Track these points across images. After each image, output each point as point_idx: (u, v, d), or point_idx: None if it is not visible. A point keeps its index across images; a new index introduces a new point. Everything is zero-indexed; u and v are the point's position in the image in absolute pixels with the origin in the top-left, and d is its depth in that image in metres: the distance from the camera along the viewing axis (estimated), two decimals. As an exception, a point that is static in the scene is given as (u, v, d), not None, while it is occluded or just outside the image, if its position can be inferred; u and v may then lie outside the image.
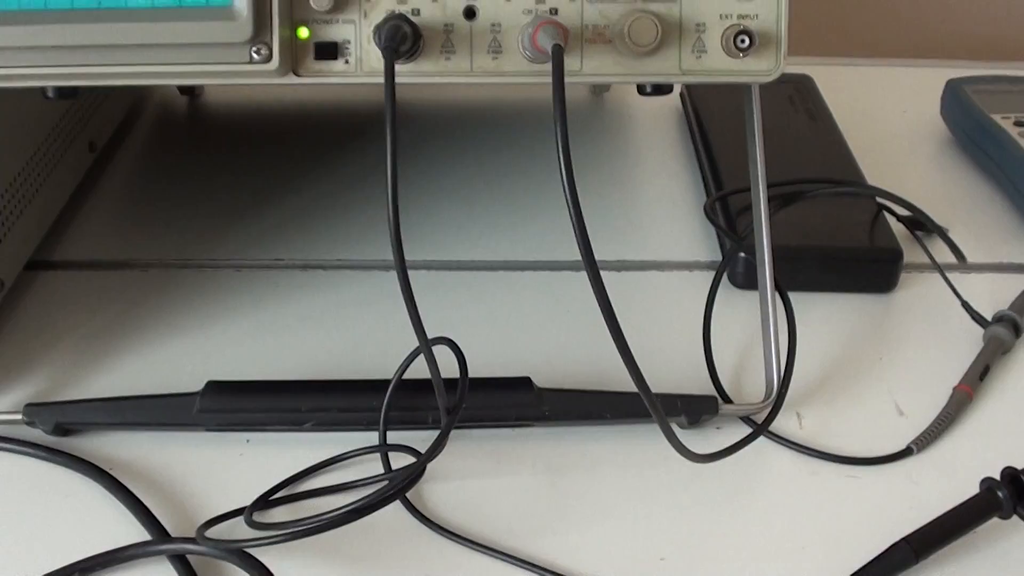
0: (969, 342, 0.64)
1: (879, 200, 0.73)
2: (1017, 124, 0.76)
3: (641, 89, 0.54)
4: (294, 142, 0.85)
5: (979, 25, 1.09)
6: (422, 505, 0.54)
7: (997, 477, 0.52)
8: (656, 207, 0.77)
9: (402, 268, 0.46)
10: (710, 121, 0.81)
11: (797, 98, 0.84)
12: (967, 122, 0.80)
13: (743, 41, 0.51)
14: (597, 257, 0.66)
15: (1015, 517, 0.52)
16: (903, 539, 0.50)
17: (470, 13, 0.52)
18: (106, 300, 0.68)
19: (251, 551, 0.50)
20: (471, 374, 0.54)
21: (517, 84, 0.52)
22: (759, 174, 0.59)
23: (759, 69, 0.52)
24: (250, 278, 0.70)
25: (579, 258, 0.46)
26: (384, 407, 0.56)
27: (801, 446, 0.57)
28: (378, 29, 0.50)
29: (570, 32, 0.51)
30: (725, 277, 0.69)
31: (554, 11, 0.52)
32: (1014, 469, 0.52)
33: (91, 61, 0.51)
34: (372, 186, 0.79)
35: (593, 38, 0.52)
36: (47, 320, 0.66)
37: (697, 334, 0.64)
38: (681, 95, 0.88)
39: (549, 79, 0.48)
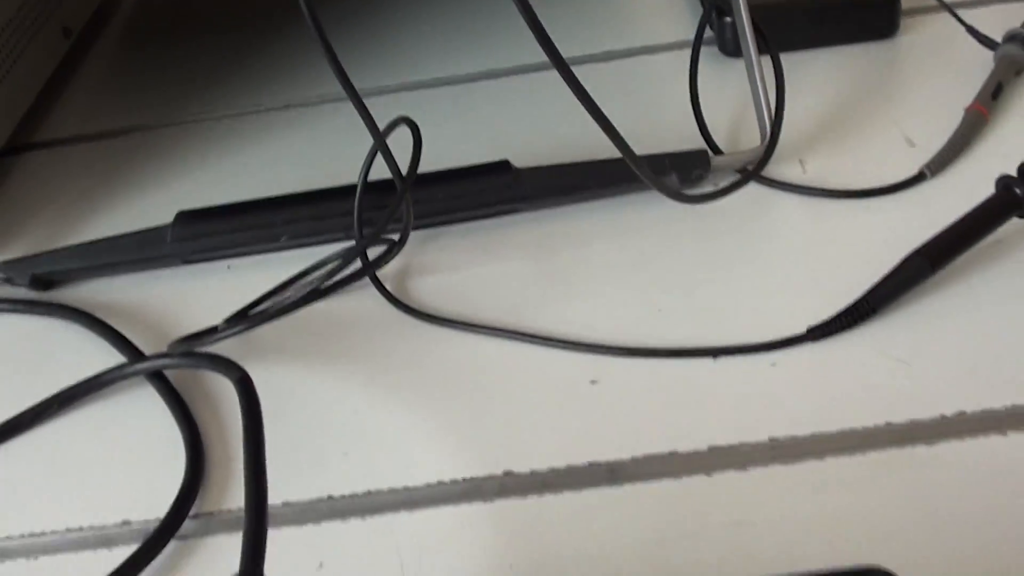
0: (981, 68, 0.60)
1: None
2: None
3: None
4: (271, 10, 0.83)
5: None
6: (406, 299, 0.52)
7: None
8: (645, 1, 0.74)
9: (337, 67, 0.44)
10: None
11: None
12: None
13: None
14: (584, 50, 0.64)
15: (1037, 213, 0.48)
16: (915, 251, 0.47)
17: None
18: (86, 169, 0.67)
19: (224, 354, 0.48)
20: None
21: None
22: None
23: None
24: (230, 127, 0.68)
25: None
26: (356, 206, 0.54)
27: (803, 187, 0.54)
28: None
29: None
30: (714, 49, 0.65)
31: None
32: (1031, 162, 0.48)
33: None
34: (346, 25, 0.77)
35: None
36: (28, 195, 0.66)
37: (689, 105, 0.61)
38: None
39: None
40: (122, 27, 0.85)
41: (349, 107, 0.63)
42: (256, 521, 0.36)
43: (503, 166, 0.56)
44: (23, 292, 0.57)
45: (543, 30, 0.41)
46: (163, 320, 0.54)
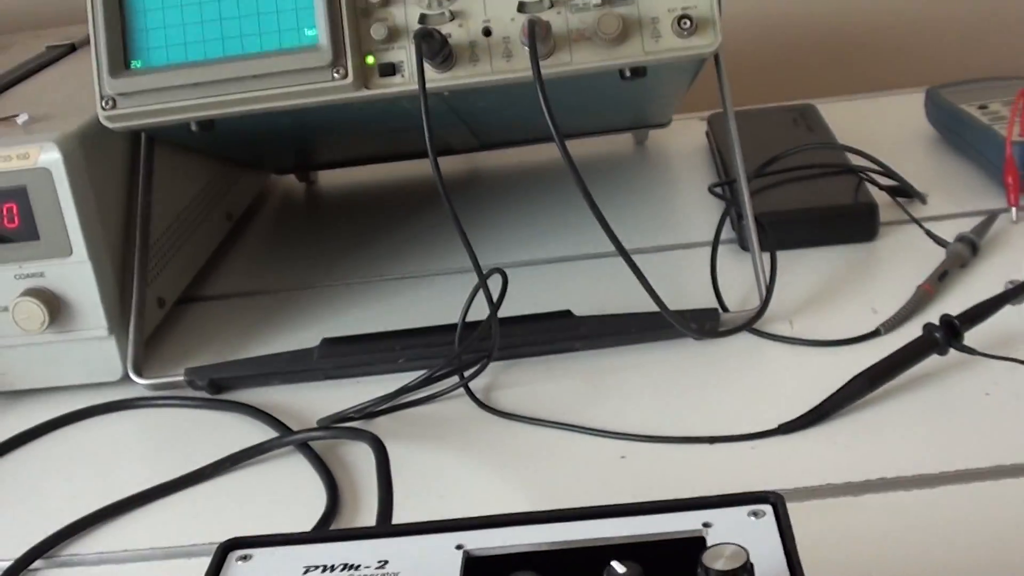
0: (936, 260, 0.80)
1: (861, 175, 0.90)
2: (980, 108, 0.93)
3: (621, 74, 0.74)
4: (389, 208, 1.06)
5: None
6: (490, 403, 0.72)
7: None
8: (684, 207, 0.96)
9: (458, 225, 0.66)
10: (724, 146, 0.99)
11: (800, 120, 1.03)
12: (942, 114, 0.98)
13: (685, 23, 0.71)
14: (637, 244, 0.85)
15: (951, 352, 0.67)
16: (859, 373, 0.66)
17: (487, 32, 0.73)
18: (243, 318, 0.88)
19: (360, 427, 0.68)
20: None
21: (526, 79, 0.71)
22: (733, 134, 0.78)
23: (702, 44, 0.72)
24: (358, 291, 0.90)
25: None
26: (457, 335, 0.74)
27: (790, 338, 0.74)
28: (414, 38, 0.70)
29: (554, 32, 0.71)
30: (736, 246, 0.86)
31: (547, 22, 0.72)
32: (949, 316, 0.67)
33: (224, 92, 0.73)
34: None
35: (577, 38, 0.72)
36: (202, 331, 0.87)
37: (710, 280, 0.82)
38: (706, 132, 1.07)
39: (547, 71, 0.69)
40: (274, 211, 1.09)
41: (452, 279, 0.84)
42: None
43: (566, 314, 0.76)
44: (202, 393, 0.78)
45: (608, 225, 0.63)
46: (309, 415, 0.74)
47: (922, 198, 0.89)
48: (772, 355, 0.73)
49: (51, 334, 0.78)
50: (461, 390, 0.73)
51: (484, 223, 0.98)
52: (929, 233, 0.83)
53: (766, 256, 0.79)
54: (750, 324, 0.75)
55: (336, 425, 0.69)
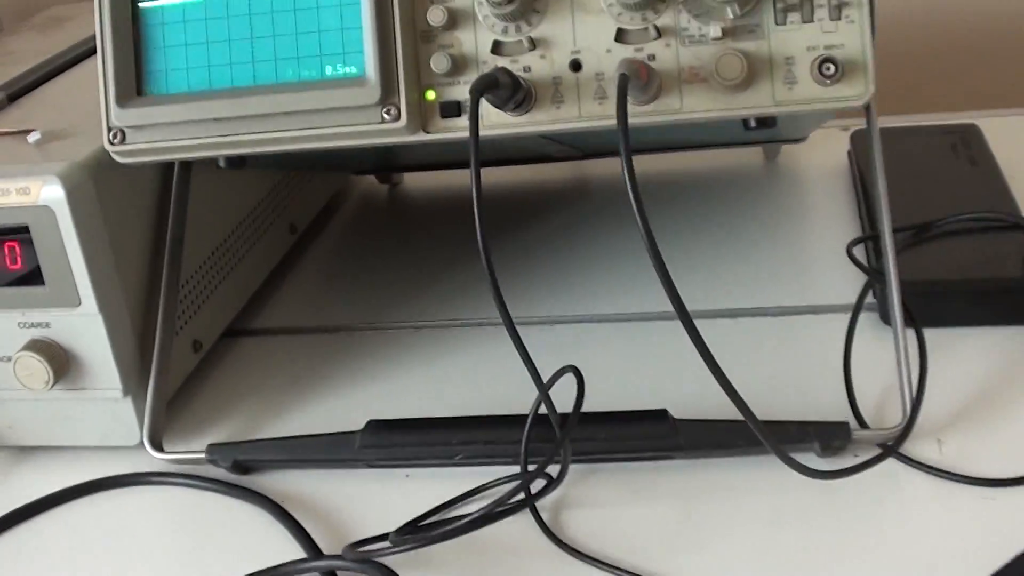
0: None
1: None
2: None
3: (745, 123, 0.59)
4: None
5: None
6: (560, 531, 0.59)
7: None
8: (818, 256, 0.80)
9: (508, 320, 0.53)
10: (868, 182, 0.83)
11: (961, 147, 0.86)
12: None
13: (828, 68, 0.56)
14: (758, 304, 0.71)
15: None
16: (1028, 549, 0.52)
17: (576, 66, 0.58)
18: (295, 360, 0.77)
19: (390, 564, 0.56)
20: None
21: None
22: (883, 202, 0.62)
23: (850, 94, 0.56)
24: (427, 337, 0.77)
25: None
26: (524, 438, 0.61)
27: (936, 469, 0.59)
28: (471, 93, 0.56)
29: (657, 72, 0.57)
30: (876, 316, 0.71)
31: (651, 57, 0.58)
32: None
33: (252, 130, 0.61)
34: (538, 256, 0.85)
35: (689, 78, 0.57)
36: (240, 378, 0.76)
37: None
38: (848, 152, 0.91)
39: (649, 119, 0.55)
40: (341, 227, 0.96)
41: (534, 330, 0.71)
42: None
43: (661, 415, 0.62)
44: (224, 474, 0.66)
45: (675, 290, 0.49)
46: (343, 516, 0.62)
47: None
48: (912, 490, 0.59)
49: (59, 391, 0.68)
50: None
51: (566, 255, 0.85)
52: None
53: (912, 337, 0.63)
54: (889, 453, 0.60)
55: (367, 558, 0.57)
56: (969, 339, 0.69)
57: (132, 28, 0.62)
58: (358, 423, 0.65)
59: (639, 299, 0.78)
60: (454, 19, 0.59)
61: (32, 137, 0.69)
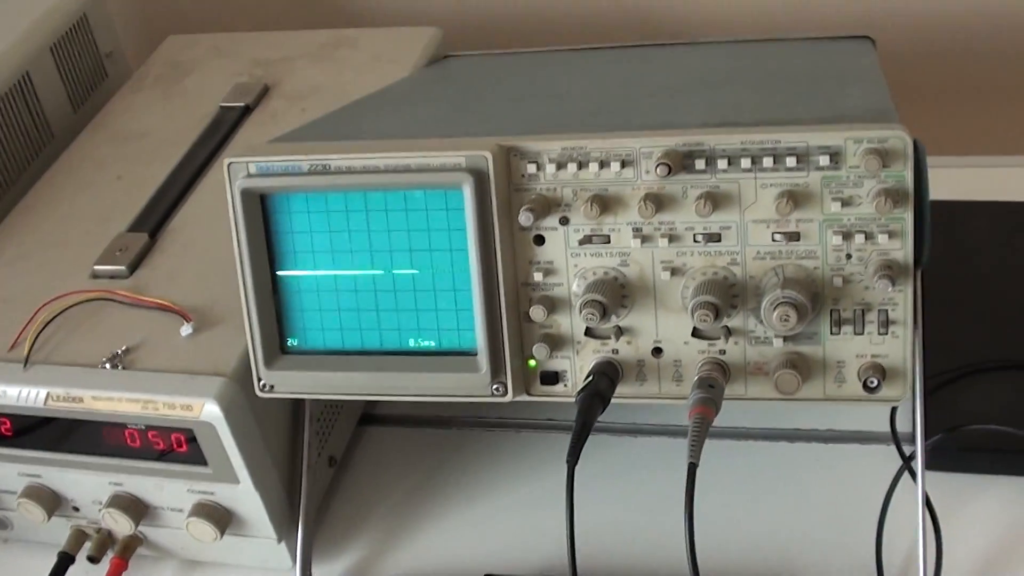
0: None
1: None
2: None
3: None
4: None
5: None
6: None
7: None
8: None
9: None
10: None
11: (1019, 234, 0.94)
12: None
13: (872, 382, 0.67)
14: (807, 426, 0.83)
15: None
16: None
17: (657, 351, 0.70)
18: (417, 458, 0.92)
19: None
20: None
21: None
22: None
23: (890, 395, 0.68)
24: (527, 440, 0.92)
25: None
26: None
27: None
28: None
29: (731, 363, 0.69)
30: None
31: (722, 352, 0.69)
32: None
33: (379, 388, 0.75)
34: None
35: (753, 371, 0.69)
36: (371, 478, 0.91)
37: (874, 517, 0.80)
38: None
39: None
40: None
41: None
42: None
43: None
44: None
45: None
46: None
47: None
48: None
49: (226, 537, 0.84)
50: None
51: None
52: None
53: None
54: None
55: None
56: (996, 491, 0.82)
57: (272, 293, 0.74)
58: (491, 536, 0.81)
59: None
60: (553, 305, 0.70)
61: (185, 331, 0.82)
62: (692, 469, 0.63)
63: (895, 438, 0.84)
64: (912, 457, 0.82)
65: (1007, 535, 0.79)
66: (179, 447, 0.80)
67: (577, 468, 0.68)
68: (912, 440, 0.84)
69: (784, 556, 0.79)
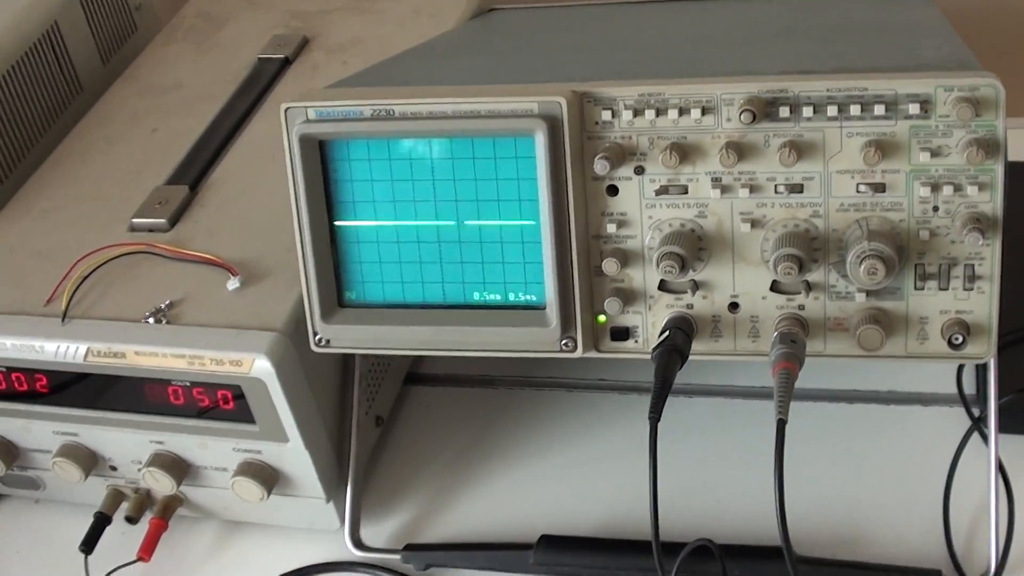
0: None
1: None
2: None
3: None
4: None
5: None
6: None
7: None
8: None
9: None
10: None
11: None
12: None
13: (957, 339, 0.66)
14: (866, 387, 0.81)
15: None
16: None
17: (734, 306, 0.68)
18: (464, 418, 0.90)
19: None
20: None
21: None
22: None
23: (974, 353, 0.66)
24: (578, 400, 0.90)
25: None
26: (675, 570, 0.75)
27: (1023, 617, 0.73)
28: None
29: (810, 319, 0.67)
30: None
31: (801, 307, 0.67)
32: None
33: (443, 343, 0.72)
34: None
35: (834, 327, 0.67)
36: (418, 438, 0.89)
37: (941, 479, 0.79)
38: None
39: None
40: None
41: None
42: None
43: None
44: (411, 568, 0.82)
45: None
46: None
47: None
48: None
49: (271, 497, 0.82)
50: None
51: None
52: None
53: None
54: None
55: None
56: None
57: (330, 244, 0.71)
58: (543, 497, 0.81)
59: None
60: (625, 258, 0.68)
61: (231, 285, 0.79)
62: (781, 426, 0.62)
63: (963, 399, 0.83)
64: (981, 418, 0.80)
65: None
66: (225, 404, 0.78)
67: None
68: (976, 401, 0.83)
69: (850, 520, 0.78)
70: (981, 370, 0.83)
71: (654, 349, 0.67)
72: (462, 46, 0.89)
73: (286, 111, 0.69)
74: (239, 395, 0.77)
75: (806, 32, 0.80)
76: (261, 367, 0.75)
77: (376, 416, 0.88)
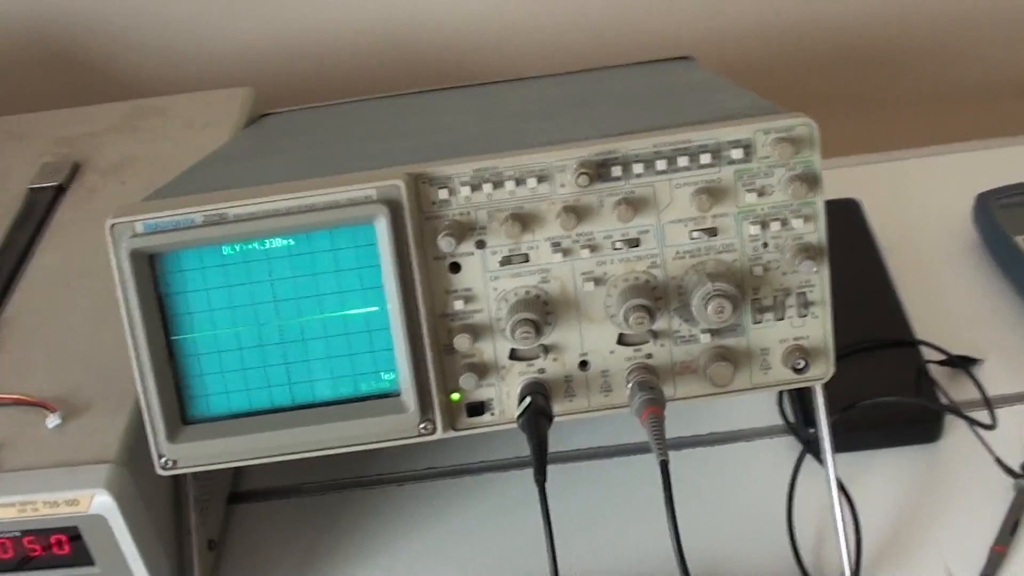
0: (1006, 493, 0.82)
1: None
2: (1039, 242, 0.93)
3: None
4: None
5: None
6: None
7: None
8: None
9: None
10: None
11: (844, 228, 1.00)
12: (994, 241, 0.97)
13: (799, 364, 0.69)
14: (690, 433, 0.85)
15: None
16: None
17: (584, 364, 0.70)
18: (297, 528, 0.87)
19: None
20: None
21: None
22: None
23: (816, 375, 0.70)
24: (409, 493, 0.89)
25: None
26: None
27: (880, 618, 0.77)
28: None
29: (658, 367, 0.69)
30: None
31: (649, 356, 0.70)
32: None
33: (296, 446, 0.70)
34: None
35: (681, 370, 0.70)
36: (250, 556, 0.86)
37: (782, 506, 0.82)
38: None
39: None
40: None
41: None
42: None
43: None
44: None
45: None
46: None
47: (982, 391, 0.89)
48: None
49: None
50: None
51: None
52: (999, 462, 0.84)
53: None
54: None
55: None
56: (874, 464, 0.85)
57: (168, 360, 0.69)
58: None
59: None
60: (475, 332, 0.69)
61: (51, 423, 0.75)
62: (664, 467, 0.63)
63: (789, 425, 0.87)
64: (811, 441, 0.84)
65: (908, 505, 0.82)
66: (60, 549, 0.73)
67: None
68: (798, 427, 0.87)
69: (708, 557, 0.80)
70: (798, 398, 0.88)
71: (519, 416, 0.68)
72: (258, 150, 0.88)
73: (112, 227, 0.66)
74: (75, 536, 0.72)
75: (605, 101, 0.84)
76: (101, 502, 0.71)
77: (208, 540, 0.84)
